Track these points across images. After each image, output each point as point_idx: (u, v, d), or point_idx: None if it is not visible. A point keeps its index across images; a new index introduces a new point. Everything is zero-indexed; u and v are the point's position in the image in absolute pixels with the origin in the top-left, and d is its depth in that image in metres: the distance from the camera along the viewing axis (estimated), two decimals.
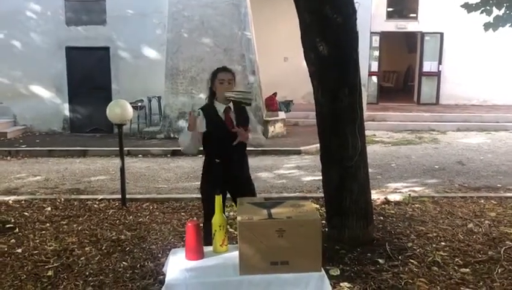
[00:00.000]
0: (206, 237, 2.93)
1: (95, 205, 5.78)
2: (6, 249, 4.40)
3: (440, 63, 15.16)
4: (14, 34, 11.58)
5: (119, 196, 5.82)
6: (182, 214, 5.46)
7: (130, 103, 5.79)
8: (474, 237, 4.57)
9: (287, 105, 12.65)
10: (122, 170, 5.68)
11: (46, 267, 3.99)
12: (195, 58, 10.61)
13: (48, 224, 5.10)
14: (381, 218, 5.11)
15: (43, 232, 4.86)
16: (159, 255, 4.22)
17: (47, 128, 11.89)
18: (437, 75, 15.25)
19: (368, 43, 12.72)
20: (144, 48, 11.55)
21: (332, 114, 4.28)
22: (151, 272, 3.86)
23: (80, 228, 4.96)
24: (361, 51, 4.38)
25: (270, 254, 2.44)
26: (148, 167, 8.24)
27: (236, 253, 2.52)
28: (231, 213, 4.96)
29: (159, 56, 11.31)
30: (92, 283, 3.70)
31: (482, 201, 5.79)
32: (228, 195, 3.69)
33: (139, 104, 11.00)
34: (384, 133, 11.71)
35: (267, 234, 2.42)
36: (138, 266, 4.01)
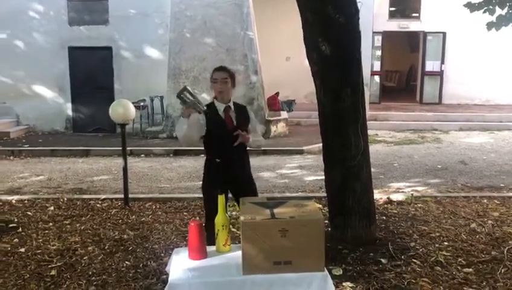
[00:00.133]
0: (208, 237, 2.93)
1: (98, 205, 5.79)
2: (9, 248, 4.41)
3: (443, 62, 15.14)
4: (17, 34, 11.61)
5: (122, 196, 5.83)
6: (185, 213, 5.46)
7: (133, 103, 5.80)
8: (477, 236, 4.56)
9: (289, 105, 12.65)
10: (124, 169, 5.68)
11: (49, 266, 4.00)
12: (198, 58, 10.62)
13: (50, 223, 5.11)
14: (384, 218, 5.11)
15: (46, 231, 4.87)
16: (162, 254, 4.23)
17: (50, 128, 11.91)
18: (439, 74, 15.23)
19: (370, 43, 12.70)
20: (146, 47, 11.56)
21: (334, 114, 4.28)
22: (154, 272, 3.87)
23: (82, 228, 4.97)
24: (363, 50, 4.37)
25: (273, 254, 2.44)
26: (150, 167, 8.25)
27: (239, 253, 2.52)
28: (233, 213, 4.97)
29: (161, 56, 11.32)
30: (95, 282, 3.71)
31: (485, 201, 5.78)
32: (230, 195, 3.69)
33: (142, 103, 11.01)
34: (386, 132, 11.70)
35: (270, 234, 2.42)
36: (141, 265, 4.02)
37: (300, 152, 9.40)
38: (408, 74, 19.57)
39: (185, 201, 5.89)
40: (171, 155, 9.27)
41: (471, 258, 4.05)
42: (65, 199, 6.05)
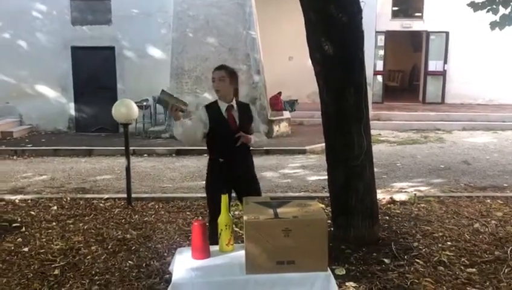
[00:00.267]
0: (211, 236, 2.93)
1: (101, 204, 5.80)
2: (13, 248, 4.43)
3: (445, 62, 15.11)
4: (20, 34, 11.64)
5: (125, 195, 5.84)
6: (187, 213, 5.47)
7: (135, 103, 5.80)
8: (481, 236, 4.55)
9: (292, 104, 12.65)
10: (127, 169, 5.69)
11: (53, 266, 4.01)
12: (200, 58, 10.63)
13: (54, 223, 5.13)
14: (387, 218, 5.10)
15: (50, 231, 4.88)
16: (165, 254, 4.24)
17: (53, 128, 11.94)
18: (442, 74, 15.19)
19: (373, 42, 12.69)
20: (149, 47, 11.58)
21: (337, 113, 4.27)
22: (157, 271, 3.87)
23: (85, 227, 4.98)
24: (366, 50, 4.37)
25: (276, 254, 2.44)
26: (153, 167, 8.26)
27: (242, 252, 2.52)
28: (236, 212, 4.97)
29: (164, 56, 11.33)
30: (98, 282, 3.71)
31: (488, 201, 5.76)
32: (234, 194, 3.69)
33: (144, 103, 11.02)
34: (389, 132, 11.68)
35: (273, 234, 2.42)
36: (144, 265, 4.02)
37: (303, 152, 9.40)
38: (411, 73, 19.54)
39: (187, 201, 5.90)
40: (174, 155, 9.28)
41: (474, 258, 4.04)
42: (68, 198, 6.06)
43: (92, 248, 4.40)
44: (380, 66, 14.93)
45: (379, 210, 4.75)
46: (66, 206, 5.74)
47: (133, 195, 5.84)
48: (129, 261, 4.08)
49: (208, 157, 3.75)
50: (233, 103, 3.63)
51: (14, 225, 5.03)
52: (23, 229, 4.93)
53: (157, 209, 5.62)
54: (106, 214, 5.45)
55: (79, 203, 5.85)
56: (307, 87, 13.27)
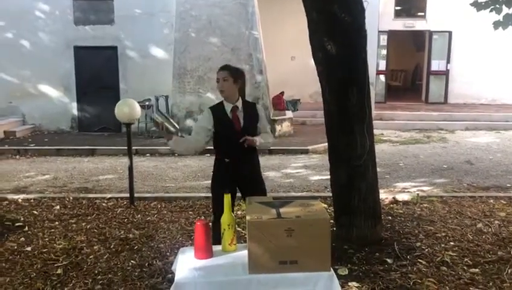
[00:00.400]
0: (215, 236, 2.93)
1: (104, 204, 5.81)
2: (16, 247, 4.44)
3: (448, 61, 15.08)
4: (23, 34, 11.65)
5: (127, 195, 5.85)
6: (190, 213, 5.47)
7: (138, 102, 5.81)
8: (484, 237, 4.54)
9: (294, 104, 12.64)
10: (130, 168, 5.70)
11: (56, 265, 4.02)
12: (203, 58, 10.63)
13: (56, 222, 5.14)
14: (390, 217, 5.09)
15: (52, 230, 4.89)
16: (167, 253, 4.24)
17: (55, 128, 11.96)
18: (445, 74, 15.16)
19: (375, 42, 12.67)
20: (152, 47, 11.58)
21: (340, 113, 4.27)
22: (160, 271, 3.88)
23: (88, 227, 4.98)
24: (369, 49, 4.35)
25: (279, 254, 2.44)
26: (155, 166, 8.27)
27: (245, 252, 2.52)
28: (238, 212, 4.97)
29: (166, 55, 11.34)
30: (100, 281, 3.72)
31: (492, 201, 5.75)
32: (239, 194, 3.69)
33: (147, 103, 11.01)
34: (392, 132, 11.67)
35: (276, 234, 2.42)
36: (146, 264, 4.02)
37: (306, 152, 9.39)
38: (414, 73, 19.50)
39: (190, 200, 5.90)
40: (176, 155, 9.28)
41: (477, 258, 4.03)
42: (71, 198, 6.07)
43: (95, 247, 4.41)
44: (382, 65, 14.91)
45: (382, 210, 4.75)
46: (69, 206, 5.75)
47: (135, 195, 5.85)
48: (132, 261, 4.09)
49: (214, 157, 3.74)
50: (238, 103, 3.60)
51: (17, 224, 5.05)
52: (26, 228, 4.94)
53: (159, 208, 5.63)
54: (109, 213, 5.46)
55: (82, 203, 5.86)
56: (309, 87, 13.28)
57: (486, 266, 3.87)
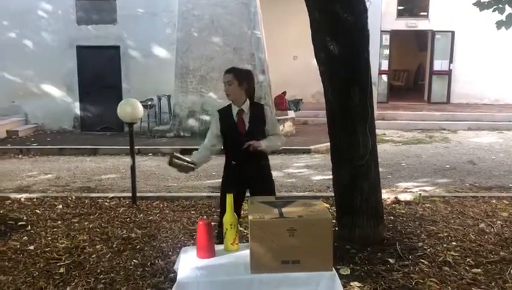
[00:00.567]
0: (220, 235, 2.93)
1: (106, 203, 5.82)
2: (18, 246, 4.45)
3: (451, 61, 15.04)
4: (26, 33, 11.68)
5: (130, 194, 5.86)
6: (192, 212, 5.48)
7: (140, 102, 5.82)
8: (486, 237, 4.53)
9: (297, 104, 12.65)
10: (132, 168, 5.71)
11: (58, 264, 4.03)
12: (205, 57, 10.63)
13: (59, 222, 5.15)
14: (392, 217, 5.09)
15: (55, 229, 4.90)
16: (170, 253, 4.24)
17: (58, 127, 11.99)
18: (448, 73, 15.13)
19: (378, 42, 12.64)
20: (154, 47, 11.60)
21: (342, 113, 4.27)
22: (162, 270, 3.88)
23: (91, 226, 4.99)
24: (371, 49, 4.35)
25: (281, 253, 2.44)
26: (158, 166, 8.27)
27: (247, 252, 2.52)
28: (241, 212, 4.96)
29: (168, 55, 11.35)
30: (103, 281, 3.73)
31: (494, 201, 5.74)
32: (248, 194, 3.68)
33: (149, 103, 11.05)
34: (394, 132, 11.66)
35: (278, 233, 2.42)
36: (149, 264, 4.03)
37: (308, 151, 9.39)
38: (416, 73, 19.47)
39: (192, 200, 5.91)
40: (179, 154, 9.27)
41: (479, 258, 4.03)
42: (73, 197, 6.08)
43: (97, 246, 4.42)
44: (385, 65, 14.88)
45: (384, 210, 4.74)
46: (71, 205, 5.76)
47: (138, 194, 5.86)
48: (134, 260, 4.10)
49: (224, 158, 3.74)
50: (245, 105, 3.55)
51: (19, 223, 5.06)
52: (29, 227, 4.95)
53: (162, 208, 5.64)
54: (111, 213, 5.47)
55: (84, 202, 5.87)
56: (311, 87, 13.26)
57: (488, 266, 3.87)
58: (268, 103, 10.72)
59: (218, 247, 2.74)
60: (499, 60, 14.48)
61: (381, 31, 13.52)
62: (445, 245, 4.31)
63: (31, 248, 4.41)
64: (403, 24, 15.15)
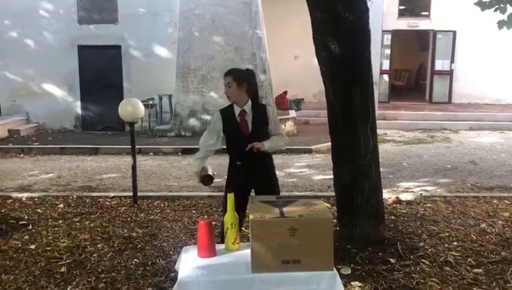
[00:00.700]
0: (222, 235, 2.93)
1: (107, 203, 5.83)
2: (20, 245, 4.46)
3: (452, 61, 15.02)
4: (27, 33, 11.70)
5: (131, 194, 5.86)
6: (193, 212, 5.48)
7: (142, 101, 5.82)
8: (487, 237, 4.53)
9: (298, 103, 12.64)
10: (133, 167, 5.71)
11: (59, 263, 4.04)
12: (206, 57, 10.64)
13: (60, 221, 5.16)
14: (393, 217, 5.08)
15: (56, 229, 4.91)
16: (171, 252, 4.25)
17: (59, 126, 12.01)
18: (449, 73, 15.11)
19: (379, 42, 12.64)
20: (155, 46, 11.60)
21: (344, 113, 4.26)
22: (163, 269, 3.89)
23: (92, 225, 5.00)
24: (372, 49, 4.34)
25: (281, 253, 2.44)
26: (159, 165, 8.28)
27: (248, 251, 2.52)
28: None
29: (170, 54, 11.35)
30: (104, 280, 3.73)
31: (495, 201, 5.73)
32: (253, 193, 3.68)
33: (150, 102, 11.05)
34: (395, 132, 11.64)
35: (279, 233, 2.42)
36: (150, 263, 4.03)
37: (309, 151, 9.38)
38: (417, 72, 19.45)
39: (193, 199, 5.91)
40: (180, 153, 9.29)
41: (480, 258, 4.02)
42: (74, 196, 6.09)
43: (98, 245, 4.42)
44: (386, 65, 14.87)
45: (385, 210, 4.74)
46: (73, 204, 5.77)
47: (139, 193, 5.86)
48: (135, 259, 4.10)
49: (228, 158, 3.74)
50: (247, 106, 3.55)
51: (21, 222, 5.07)
52: (30, 226, 4.96)
53: (163, 207, 5.64)
54: (112, 212, 5.47)
55: (85, 202, 5.88)
56: (312, 87, 13.25)
57: (489, 267, 3.86)
58: (269, 103, 10.72)
59: (219, 246, 2.75)
60: (501, 59, 14.46)
61: (383, 31, 13.52)
62: (446, 245, 4.31)
63: (32, 247, 4.41)
64: (404, 24, 15.14)
